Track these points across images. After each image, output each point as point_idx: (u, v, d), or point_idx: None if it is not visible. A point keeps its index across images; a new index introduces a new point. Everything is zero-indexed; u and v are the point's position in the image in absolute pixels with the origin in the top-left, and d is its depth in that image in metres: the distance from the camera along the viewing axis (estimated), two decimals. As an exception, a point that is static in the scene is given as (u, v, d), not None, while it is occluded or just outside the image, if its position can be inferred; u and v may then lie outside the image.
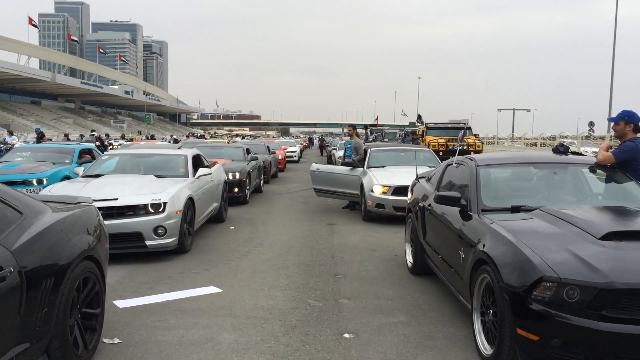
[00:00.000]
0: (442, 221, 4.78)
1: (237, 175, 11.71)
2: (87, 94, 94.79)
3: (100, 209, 6.29)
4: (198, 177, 7.93)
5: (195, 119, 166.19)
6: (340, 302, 5.04)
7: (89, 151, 11.59)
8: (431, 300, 5.09)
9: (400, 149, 11.72)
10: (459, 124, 23.58)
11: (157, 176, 7.62)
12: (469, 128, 22.94)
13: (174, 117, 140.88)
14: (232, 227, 9.02)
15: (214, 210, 8.94)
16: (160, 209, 6.52)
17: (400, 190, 9.31)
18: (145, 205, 6.49)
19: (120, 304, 4.92)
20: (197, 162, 8.57)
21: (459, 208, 4.48)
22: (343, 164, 10.96)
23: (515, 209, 4.22)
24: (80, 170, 7.98)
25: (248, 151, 13.87)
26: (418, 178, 6.83)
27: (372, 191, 9.53)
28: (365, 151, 11.18)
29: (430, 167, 10.57)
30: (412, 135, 19.95)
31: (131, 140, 41.12)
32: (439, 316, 4.63)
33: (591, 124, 42.79)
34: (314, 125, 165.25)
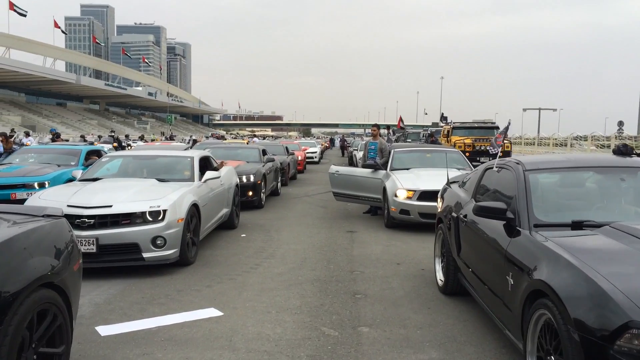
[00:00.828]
0: (483, 237, 3.98)
1: (252, 178, 11.03)
2: (112, 95, 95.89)
3: (92, 217, 5.72)
4: (205, 181, 7.25)
5: (218, 120, 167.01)
6: (360, 330, 4.27)
7: (97, 153, 11.05)
8: (468, 330, 4.28)
9: (426, 149, 10.87)
10: (486, 123, 22.52)
11: (160, 180, 6.96)
12: (497, 127, 21.83)
13: (196, 118, 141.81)
14: (244, 235, 8.32)
15: (224, 216, 8.26)
16: (160, 217, 5.85)
17: (427, 195, 8.50)
18: (143, 213, 5.82)
19: (103, 330, 4.23)
20: (205, 164, 7.90)
21: (504, 222, 3.68)
22: (364, 166, 10.18)
23: (577, 225, 3.40)
24: (79, 173, 7.37)
25: (264, 152, 13.18)
26: (449, 183, 6.01)
27: (395, 196, 8.73)
28: (389, 152, 10.38)
29: (459, 169, 9.74)
30: (431, 137, 19.03)
31: (153, 140, 40.96)
32: (480, 353, 3.82)
33: (620, 123, 41.04)
34: (336, 126, 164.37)
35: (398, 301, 5.03)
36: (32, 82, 76.21)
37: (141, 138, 29.76)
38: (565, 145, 35.28)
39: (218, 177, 7.47)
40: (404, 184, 8.76)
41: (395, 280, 5.77)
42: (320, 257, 6.87)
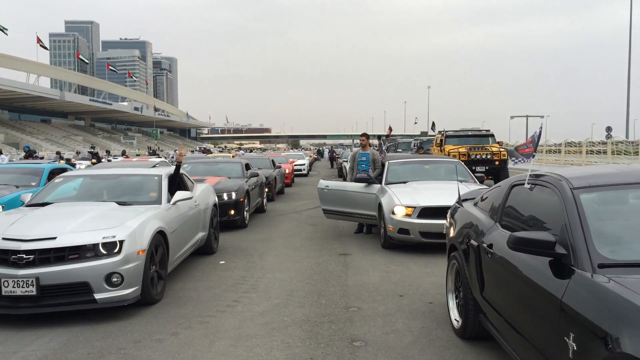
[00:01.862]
0: (520, 277, 3.05)
1: (233, 196, 10.05)
2: (97, 111, 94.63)
3: (32, 251, 4.68)
4: (175, 203, 6.27)
5: (206, 134, 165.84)
6: (362, 398, 3.31)
7: (62, 171, 9.99)
8: (500, 393, 3.34)
9: (424, 160, 9.96)
10: (480, 131, 21.74)
11: (121, 203, 5.97)
12: (492, 135, 21.03)
13: (184, 132, 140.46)
14: (223, 262, 7.33)
15: (200, 241, 7.28)
16: (115, 250, 4.86)
17: (428, 212, 7.59)
18: (95, 245, 4.83)
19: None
20: (177, 183, 6.92)
21: (550, 258, 2.76)
22: (357, 180, 9.24)
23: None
24: (28, 197, 6.35)
25: (247, 166, 12.21)
26: (461, 201, 5.10)
27: (393, 213, 7.80)
28: (383, 164, 9.47)
29: (461, 181, 8.85)
30: (420, 149, 18.11)
31: (138, 156, 39.79)
32: None
33: (609, 129, 40.66)
34: (324, 137, 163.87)
35: (407, 350, 4.07)
36: (15, 98, 74.86)
37: (123, 154, 28.68)
38: (559, 152, 34.69)
39: (190, 198, 6.48)
40: (402, 200, 7.83)
41: (399, 319, 4.81)
42: (309, 288, 5.90)
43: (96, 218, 5.29)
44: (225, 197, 9.97)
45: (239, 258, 7.60)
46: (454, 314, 4.47)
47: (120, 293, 4.85)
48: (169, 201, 6.25)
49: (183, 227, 6.38)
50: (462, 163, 9.64)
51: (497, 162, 19.24)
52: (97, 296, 4.77)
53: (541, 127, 3.88)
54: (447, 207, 7.70)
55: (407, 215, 7.68)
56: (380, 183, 8.99)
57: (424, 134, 62.71)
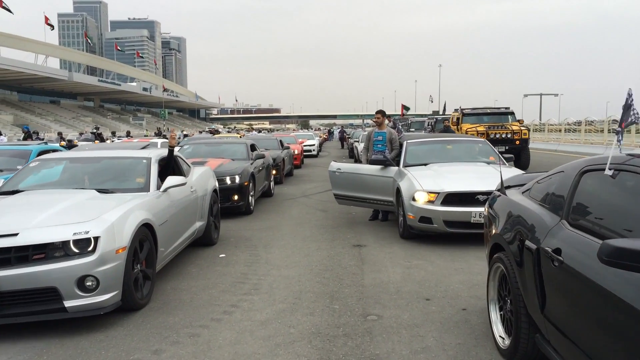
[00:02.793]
0: (614, 302, 2.19)
1: (237, 179, 9.24)
2: (106, 91, 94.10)
3: (-13, 251, 3.95)
4: (166, 190, 5.46)
5: (215, 114, 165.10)
6: None
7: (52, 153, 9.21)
8: None
9: (446, 139, 9.03)
10: (499, 109, 20.63)
11: (102, 191, 5.18)
12: (512, 113, 19.95)
13: (193, 112, 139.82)
14: (223, 255, 6.55)
15: (197, 232, 6.50)
16: (89, 248, 4.07)
17: (454, 198, 6.73)
18: (65, 243, 4.04)
19: None
20: (171, 167, 6.11)
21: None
22: (371, 162, 8.37)
23: None
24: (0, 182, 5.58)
25: (253, 147, 11.37)
26: (504, 188, 4.23)
27: (413, 200, 6.94)
28: (401, 144, 8.58)
29: (488, 163, 7.96)
30: (444, 122, 16.99)
31: (145, 136, 39.12)
32: None
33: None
34: (334, 117, 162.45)
35: (441, 377, 3.26)
36: (24, 80, 74.54)
37: (127, 134, 27.96)
38: (579, 131, 33.45)
39: (184, 184, 5.66)
40: (424, 185, 6.97)
41: (429, 331, 4.00)
42: (320, 289, 5.10)
43: (69, 209, 4.50)
44: (228, 181, 9.17)
45: (242, 250, 6.81)
46: (498, 330, 3.64)
47: (95, 300, 4.07)
48: (158, 188, 5.44)
49: (176, 217, 5.58)
50: (489, 143, 8.70)
51: (517, 142, 18.19)
52: (68, 304, 4.00)
53: (630, 92, 2.94)
54: (475, 193, 6.87)
55: (430, 202, 6.82)
56: (398, 165, 8.13)
57: (436, 113, 61.25)
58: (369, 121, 79.47)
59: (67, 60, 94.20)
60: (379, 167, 8.20)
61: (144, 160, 5.69)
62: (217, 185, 7.54)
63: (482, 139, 9.03)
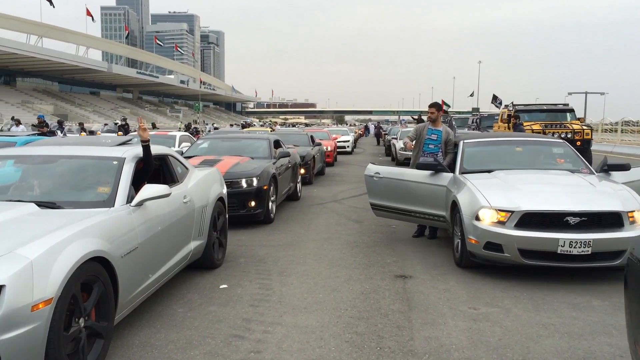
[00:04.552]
0: None
1: (255, 182, 7.71)
2: (144, 84, 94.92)
3: None
4: (140, 204, 3.95)
5: (251, 108, 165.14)
6: None
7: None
8: None
9: (515, 139, 7.22)
10: (556, 105, 18.48)
11: (44, 205, 3.70)
12: (572, 110, 17.85)
13: (229, 106, 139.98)
14: (224, 286, 5.02)
15: (193, 254, 4.99)
16: (-10, 303, 2.59)
17: (534, 219, 5.01)
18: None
19: None
20: (148, 170, 4.58)
21: None
22: (419, 167, 6.66)
23: None
24: None
25: (277, 144, 9.81)
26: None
27: (477, 219, 5.24)
28: (456, 145, 6.87)
29: (572, 171, 6.19)
30: (514, 119, 14.86)
31: (179, 129, 38.23)
32: None
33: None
34: (370, 112, 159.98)
35: None
36: (64, 70, 75.70)
37: (153, 127, 26.91)
38: (615, 131, 31.02)
39: (166, 195, 4.11)
40: (492, 199, 5.25)
41: None
42: (350, 354, 3.50)
43: (-23, 236, 3.02)
44: (243, 184, 7.66)
45: (250, 278, 5.27)
46: None
47: (-5, 385, 2.59)
48: (129, 201, 3.93)
49: (155, 240, 4.07)
50: (568, 144, 6.88)
51: (578, 143, 16.12)
52: (-52, 393, 2.53)
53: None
54: (565, 214, 5.13)
55: (500, 222, 5.10)
56: (453, 171, 6.43)
57: (476, 110, 58.51)
58: (405, 118, 76.65)
59: (107, 52, 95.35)
60: (428, 172, 6.52)
61: (114, 162, 4.17)
62: (224, 191, 6.02)
63: (560, 140, 7.19)
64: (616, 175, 6.17)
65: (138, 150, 4.43)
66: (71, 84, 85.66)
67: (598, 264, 4.92)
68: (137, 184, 4.29)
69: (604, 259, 4.91)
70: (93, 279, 3.22)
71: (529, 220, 5.01)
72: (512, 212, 5.05)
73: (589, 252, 4.83)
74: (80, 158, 4.31)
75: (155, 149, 4.82)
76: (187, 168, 5.43)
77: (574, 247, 4.82)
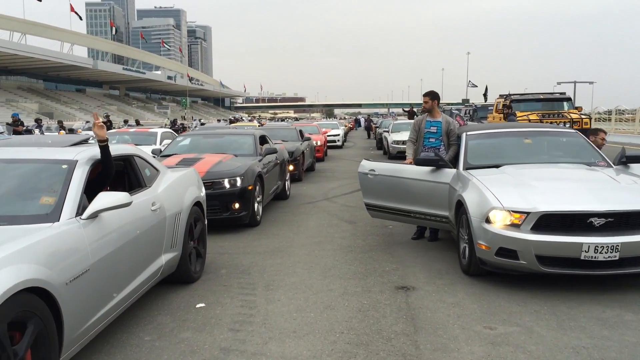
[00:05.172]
0: None
1: (238, 182, 7.06)
2: (131, 80, 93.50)
3: None
4: (95, 216, 3.29)
5: (240, 103, 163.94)
6: None
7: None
8: None
9: (523, 130, 6.61)
10: (553, 94, 17.98)
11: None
12: (569, 99, 17.37)
13: (217, 101, 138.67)
14: (201, 305, 4.38)
15: (164, 269, 4.34)
16: None
17: (554, 221, 4.41)
18: None
19: None
20: (108, 175, 3.90)
21: None
22: (419, 163, 6.03)
23: None
24: None
25: (263, 140, 9.15)
26: None
27: (487, 221, 4.63)
28: (459, 137, 6.26)
29: (589, 164, 5.61)
30: (507, 109, 14.38)
31: (165, 125, 37.39)
32: None
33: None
34: (359, 106, 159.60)
35: None
36: (49, 68, 74.24)
37: (137, 123, 26.11)
38: (609, 120, 30.68)
39: (127, 204, 3.44)
40: (504, 199, 4.64)
41: None
42: (348, 398, 2.88)
43: None
44: (226, 184, 7.01)
45: (232, 294, 4.63)
46: None
47: None
48: (80, 213, 3.27)
49: (115, 258, 3.42)
50: (581, 135, 6.29)
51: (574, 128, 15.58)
52: None
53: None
54: (588, 215, 4.53)
55: (514, 225, 4.50)
56: (456, 167, 5.83)
57: (465, 101, 58.01)
58: (394, 110, 75.82)
59: (93, 49, 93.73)
60: (428, 169, 5.90)
61: (63, 166, 3.50)
62: (202, 194, 5.37)
63: (573, 130, 6.59)
64: (635, 167, 5.60)
65: (94, 152, 3.76)
66: (56, 82, 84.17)
67: (627, 270, 4.34)
68: (94, 191, 3.63)
69: (634, 264, 4.32)
70: (27, 315, 2.57)
71: (548, 222, 4.41)
72: (528, 213, 4.44)
73: (617, 258, 4.25)
74: (23, 162, 3.62)
75: (118, 149, 4.17)
76: (157, 170, 4.77)
77: (600, 252, 4.23)
